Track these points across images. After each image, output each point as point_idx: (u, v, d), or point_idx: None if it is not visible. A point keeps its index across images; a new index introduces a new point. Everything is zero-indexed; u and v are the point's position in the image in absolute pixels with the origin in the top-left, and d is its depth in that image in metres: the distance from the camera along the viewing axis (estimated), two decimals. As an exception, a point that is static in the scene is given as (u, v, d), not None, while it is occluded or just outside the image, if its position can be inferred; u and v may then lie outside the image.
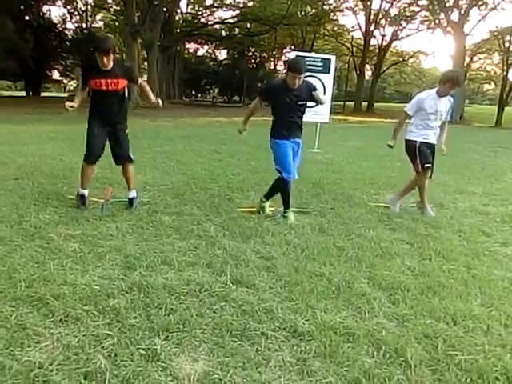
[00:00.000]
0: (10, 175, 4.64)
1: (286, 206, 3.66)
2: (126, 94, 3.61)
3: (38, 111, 15.75)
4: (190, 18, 38.12)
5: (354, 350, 1.83)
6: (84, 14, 36.83)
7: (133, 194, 3.76)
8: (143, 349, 1.76)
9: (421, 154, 3.92)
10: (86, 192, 3.66)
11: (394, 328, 2.02)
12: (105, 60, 3.28)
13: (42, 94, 35.17)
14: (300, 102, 3.50)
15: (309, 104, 4.38)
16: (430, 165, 3.94)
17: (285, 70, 3.63)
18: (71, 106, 3.42)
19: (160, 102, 3.68)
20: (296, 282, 2.42)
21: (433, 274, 2.63)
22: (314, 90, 3.54)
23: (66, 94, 37.16)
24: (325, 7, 32.90)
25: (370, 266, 2.69)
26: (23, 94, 35.85)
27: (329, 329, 1.96)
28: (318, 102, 3.67)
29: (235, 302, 2.16)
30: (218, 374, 1.65)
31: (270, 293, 2.29)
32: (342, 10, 33.87)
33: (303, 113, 3.64)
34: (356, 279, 2.49)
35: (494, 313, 2.20)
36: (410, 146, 4.00)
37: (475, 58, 30.42)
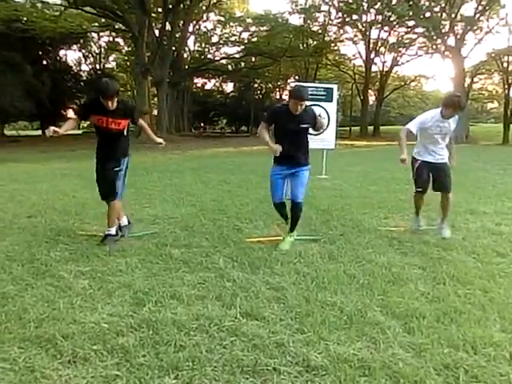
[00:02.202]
0: (24, 213, 4.74)
1: (285, 220, 3.88)
2: (126, 133, 3.70)
3: (52, 149, 16.28)
4: (197, 55, 39.78)
5: (370, 384, 1.76)
6: (98, 56, 38.83)
7: (111, 230, 3.71)
8: (152, 389, 1.72)
9: (417, 177, 4.03)
10: (112, 230, 3.71)
11: (410, 359, 1.93)
12: (109, 104, 3.40)
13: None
14: (302, 126, 3.56)
15: (313, 132, 4.44)
16: (420, 190, 4.04)
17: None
18: (55, 131, 3.38)
19: (162, 141, 3.82)
20: (307, 312, 2.36)
21: (448, 300, 2.55)
22: (313, 116, 3.62)
23: (80, 132, 38.48)
24: (326, 39, 34.09)
25: (382, 294, 2.63)
26: (39, 132, 37.20)
27: (343, 362, 1.90)
28: (320, 127, 3.73)
29: (245, 336, 2.12)
30: (229, 413, 1.60)
31: (281, 325, 2.24)
32: (342, 41, 35.07)
33: (306, 138, 3.69)
34: (368, 308, 2.43)
35: (516, 339, 2.11)
36: (412, 163, 4.08)
37: (476, 79, 30.71)
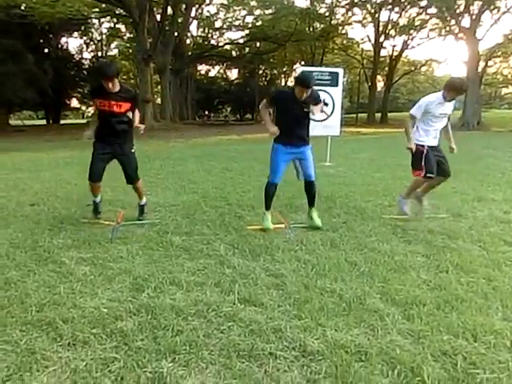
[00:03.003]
0: (27, 201, 4.78)
1: (266, 207, 3.88)
2: (131, 117, 3.78)
3: (56, 138, 16.35)
4: (200, 41, 39.24)
5: (366, 369, 1.75)
6: (99, 44, 38.49)
7: (143, 201, 4.09)
8: (150, 372, 1.74)
9: (427, 163, 3.93)
10: (97, 198, 3.98)
11: (408, 345, 1.92)
12: (110, 85, 3.48)
13: (62, 122, 36.58)
14: (306, 110, 3.64)
15: (318, 118, 4.38)
16: (432, 175, 3.94)
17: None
18: (88, 137, 3.78)
19: (142, 127, 3.82)
20: (306, 299, 2.36)
21: (450, 288, 2.52)
22: (319, 102, 3.72)
23: (84, 121, 38.52)
24: (333, 22, 33.22)
25: (383, 281, 2.61)
26: (44, 122, 37.34)
27: (340, 348, 1.89)
28: (312, 112, 3.73)
29: (243, 321, 2.12)
30: (225, 397, 1.61)
31: (279, 311, 2.24)
32: (350, 24, 34.12)
33: (308, 119, 3.77)
34: (368, 295, 2.41)
35: (517, 327, 2.08)
36: (416, 151, 3.97)
37: (490, 63, 29.83)
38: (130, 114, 3.77)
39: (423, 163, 3.94)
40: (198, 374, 1.73)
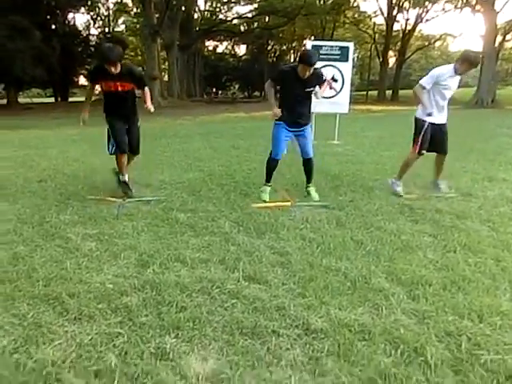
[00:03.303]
0: (35, 177, 4.80)
1: (267, 180, 4.05)
2: (135, 94, 3.93)
3: (64, 116, 16.31)
4: (208, 16, 38.22)
5: (369, 348, 1.75)
6: (106, 19, 37.72)
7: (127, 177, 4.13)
8: (153, 347, 1.76)
9: (424, 138, 4.00)
10: (126, 177, 4.06)
11: (413, 325, 1.91)
12: (112, 69, 3.62)
13: (70, 100, 36.43)
14: (307, 90, 3.70)
15: (326, 94, 4.30)
16: (424, 152, 4.05)
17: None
18: (85, 121, 4.02)
19: (152, 108, 3.93)
20: (310, 277, 2.35)
21: (457, 268, 2.49)
22: (323, 82, 3.80)
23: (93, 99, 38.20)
24: (345, -6, 31.97)
25: (388, 260, 2.58)
26: (52, 100, 37.25)
27: (343, 326, 1.89)
28: (318, 88, 3.78)
29: (247, 299, 2.13)
30: (227, 373, 1.62)
31: (283, 289, 2.23)
32: (362, -4, 32.81)
33: (310, 100, 3.84)
34: (373, 274, 2.39)
35: (525, 308, 2.05)
36: (418, 124, 4.04)
37: (508, 37, 28.52)
38: (135, 91, 3.89)
39: (420, 139, 4.00)
40: (201, 350, 1.75)
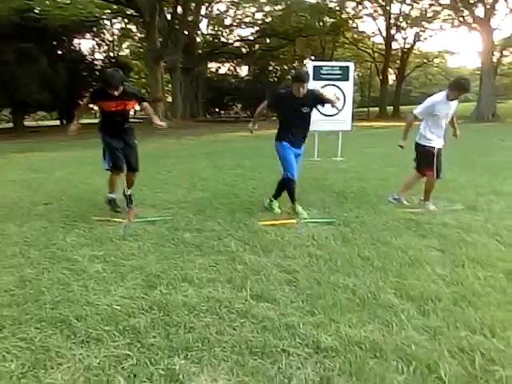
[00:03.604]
0: (41, 200, 4.85)
1: (292, 200, 4.01)
2: (132, 112, 4.20)
3: (69, 138, 16.52)
4: (210, 39, 39.20)
5: (381, 366, 1.72)
6: (111, 44, 38.84)
7: (130, 191, 4.33)
8: (162, 369, 1.74)
9: (438, 164, 4.12)
10: (114, 195, 4.23)
11: (424, 342, 1.88)
12: (115, 92, 3.76)
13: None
14: (304, 110, 3.80)
15: (328, 112, 4.41)
16: (442, 175, 4.21)
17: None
18: (73, 129, 4.09)
19: (164, 124, 4.19)
20: (318, 295, 2.33)
21: (467, 282, 2.46)
22: (321, 94, 3.90)
23: (96, 120, 38.89)
24: (343, 16, 32.81)
25: (397, 276, 2.56)
26: (57, 122, 37.93)
27: (354, 344, 1.86)
28: (326, 101, 3.87)
29: (255, 318, 2.11)
30: (237, 394, 1.60)
31: (292, 307, 2.21)
32: (361, 17, 33.62)
33: (309, 121, 3.92)
34: (382, 290, 2.37)
35: (538, 323, 2.01)
36: (426, 152, 4.12)
37: (506, 52, 28.99)
38: (129, 112, 4.12)
39: (434, 165, 4.09)
40: (210, 371, 1.72)
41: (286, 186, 3.99)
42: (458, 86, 3.90)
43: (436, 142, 4.10)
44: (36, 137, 20.10)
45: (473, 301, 2.23)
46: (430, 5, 29.47)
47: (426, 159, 4.14)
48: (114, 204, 4.20)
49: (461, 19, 25.91)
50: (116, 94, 3.76)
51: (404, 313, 2.11)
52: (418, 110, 4.11)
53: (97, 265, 2.84)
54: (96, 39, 36.95)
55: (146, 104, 4.24)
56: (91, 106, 4.28)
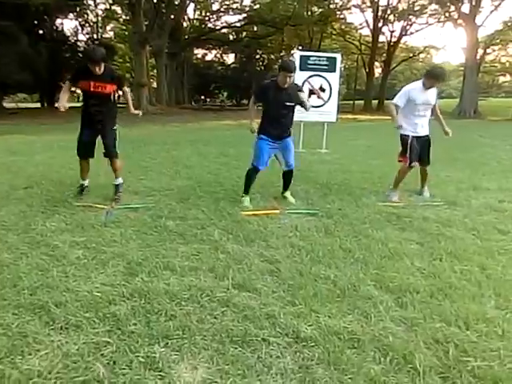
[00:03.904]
0: (21, 184, 4.70)
1: (245, 191, 4.09)
2: (114, 99, 3.97)
3: (50, 121, 16.08)
4: (197, 24, 38.43)
5: (359, 356, 1.77)
6: (95, 26, 37.51)
7: (118, 180, 4.18)
8: (142, 356, 1.73)
9: (412, 152, 4.23)
10: (85, 182, 4.22)
11: (401, 333, 1.94)
12: (96, 69, 3.66)
13: (56, 105, 35.93)
14: (288, 104, 3.78)
15: (314, 104, 4.40)
16: (415, 165, 4.27)
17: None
18: (64, 107, 3.87)
19: (139, 112, 4.08)
20: (300, 285, 2.36)
21: (444, 275, 2.53)
22: (300, 90, 3.89)
23: (79, 104, 37.74)
24: (331, 6, 32.64)
25: (377, 268, 2.61)
26: (38, 105, 36.68)
27: (333, 334, 1.90)
28: (302, 104, 3.88)
29: (237, 307, 2.12)
30: (217, 382, 1.62)
31: (273, 297, 2.24)
32: (349, 8, 33.55)
33: (292, 115, 3.93)
34: (362, 282, 2.42)
35: (510, 316, 2.10)
36: (402, 140, 4.29)
37: (489, 50, 29.60)
38: (113, 96, 3.94)
39: (408, 153, 4.21)
40: (190, 359, 1.73)
41: (246, 174, 4.08)
42: (433, 75, 4.01)
43: (410, 130, 4.19)
44: (16, 119, 19.39)
45: (449, 293, 2.31)
46: (417, -2, 29.68)
47: (402, 147, 4.29)
48: (79, 189, 4.18)
49: (447, 14, 26.21)
50: (98, 70, 3.64)
51: (382, 304, 2.17)
52: (396, 97, 4.23)
53: (77, 251, 2.79)
54: (79, 20, 35.64)
55: (126, 89, 4.12)
56: (73, 87, 4.13)
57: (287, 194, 4.23)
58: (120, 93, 4.13)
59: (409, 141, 4.19)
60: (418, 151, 4.23)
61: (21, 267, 2.52)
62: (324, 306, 2.14)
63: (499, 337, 1.92)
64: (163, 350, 1.78)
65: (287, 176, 4.17)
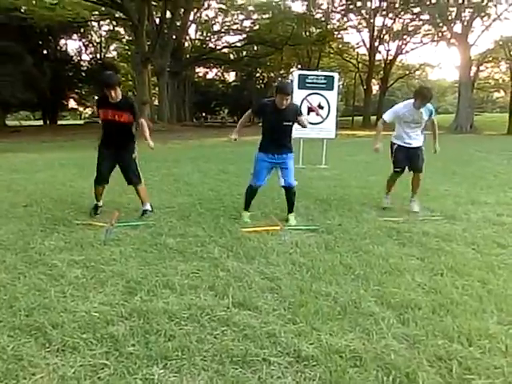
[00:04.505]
0: (20, 202, 4.72)
1: (245, 207, 4.14)
2: (131, 128, 4.01)
3: (52, 139, 16.25)
4: (198, 44, 39.24)
5: (361, 375, 1.73)
6: (98, 46, 38.40)
7: (146, 206, 4.24)
8: (140, 378, 1.70)
9: (396, 158, 4.52)
10: (99, 203, 4.26)
11: (403, 350, 1.90)
12: (112, 94, 3.73)
13: (59, 123, 36.42)
14: (285, 123, 3.82)
15: (313, 121, 4.46)
16: (398, 170, 4.56)
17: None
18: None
19: (152, 144, 4.05)
20: (300, 303, 2.33)
21: (445, 291, 2.51)
22: (300, 114, 3.91)
23: (81, 122, 38.28)
24: (329, 27, 33.47)
25: (378, 284, 2.59)
26: (41, 122, 37.13)
27: (334, 353, 1.87)
28: (302, 125, 3.95)
29: (237, 326, 2.09)
30: (217, 404, 1.58)
31: (274, 315, 2.21)
32: (346, 29, 34.38)
33: (289, 132, 3.97)
34: (363, 298, 2.39)
35: (513, 331, 2.07)
36: (390, 147, 4.61)
37: (482, 67, 30.14)
38: (131, 126, 3.99)
39: (392, 158, 4.54)
40: (190, 381, 1.70)
41: (246, 191, 4.12)
42: (419, 95, 4.17)
43: (400, 139, 4.48)
44: (18, 137, 19.61)
45: (451, 309, 2.28)
46: (411, 19, 30.52)
47: (391, 154, 4.58)
48: (93, 210, 4.21)
49: (440, 34, 26.84)
50: (114, 96, 3.72)
51: (384, 321, 2.14)
52: (385, 114, 4.48)
53: (76, 270, 2.78)
54: (83, 40, 36.53)
55: (142, 121, 4.06)
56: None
57: (290, 216, 4.09)
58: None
59: (394, 148, 4.50)
60: (403, 159, 4.48)
61: (18, 287, 2.49)
62: (325, 324, 2.11)
63: (502, 353, 1.89)
64: (162, 371, 1.75)
65: (288, 195, 4.09)
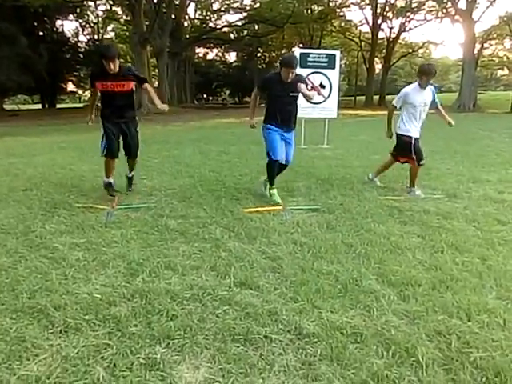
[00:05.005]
0: (20, 186, 4.70)
1: (271, 183, 4.06)
2: (133, 97, 3.97)
3: (51, 123, 16.14)
4: (198, 24, 38.36)
5: (361, 351, 1.75)
6: (95, 26, 37.57)
7: (133, 173, 4.36)
8: (143, 358, 1.72)
9: (416, 152, 4.24)
10: (111, 180, 4.15)
11: (403, 326, 1.91)
12: (111, 65, 3.63)
13: (58, 106, 36.11)
14: (292, 94, 3.77)
15: (315, 100, 4.40)
16: (424, 162, 4.30)
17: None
18: (90, 120, 4.10)
19: (166, 107, 4.00)
20: (302, 281, 2.34)
21: (445, 268, 2.51)
22: (301, 81, 3.81)
23: (81, 105, 37.89)
24: (331, 4, 32.56)
25: (379, 262, 2.59)
26: (39, 106, 36.81)
27: (335, 329, 1.88)
28: (304, 96, 3.83)
29: (239, 305, 2.10)
30: (219, 381, 1.60)
31: (275, 294, 2.22)
32: (348, 6, 33.43)
33: (295, 104, 3.91)
34: (364, 276, 2.40)
35: (511, 306, 2.08)
36: (404, 142, 4.29)
37: (486, 45, 29.47)
38: (133, 94, 3.94)
39: (413, 153, 4.24)
40: (192, 359, 1.72)
41: (268, 166, 4.01)
42: (423, 71, 4.10)
43: (413, 131, 4.25)
44: (16, 121, 19.47)
45: (450, 285, 2.28)
46: (415, -5, 29.57)
47: (404, 148, 4.30)
48: (110, 188, 4.12)
49: (444, 11, 26.08)
50: (113, 67, 3.62)
51: (385, 298, 2.15)
52: (395, 100, 4.36)
53: (77, 253, 2.78)
54: (80, 21, 35.72)
55: (146, 85, 3.99)
56: (93, 87, 3.97)
57: (274, 190, 4.07)
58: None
59: (412, 141, 4.23)
60: (422, 149, 4.30)
61: (19, 271, 2.50)
62: (326, 302, 2.12)
63: (500, 327, 1.90)
64: (164, 350, 1.76)
65: (282, 169, 4.14)
